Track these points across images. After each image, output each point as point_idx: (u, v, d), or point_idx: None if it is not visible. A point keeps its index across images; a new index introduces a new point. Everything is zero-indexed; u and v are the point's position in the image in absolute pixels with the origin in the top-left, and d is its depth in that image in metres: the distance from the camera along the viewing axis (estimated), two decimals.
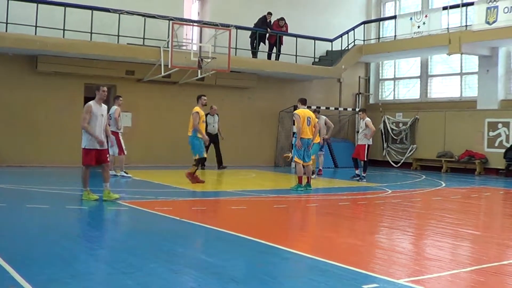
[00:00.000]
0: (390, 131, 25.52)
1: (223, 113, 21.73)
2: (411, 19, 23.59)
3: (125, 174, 16.80)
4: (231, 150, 20.87)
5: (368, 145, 17.98)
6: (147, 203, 11.42)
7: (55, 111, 20.18)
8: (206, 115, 19.67)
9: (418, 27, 23.08)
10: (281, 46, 23.73)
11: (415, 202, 13.84)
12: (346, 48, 25.33)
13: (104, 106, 12.12)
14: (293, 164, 16.50)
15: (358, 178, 18.01)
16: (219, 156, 21.14)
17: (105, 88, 12.05)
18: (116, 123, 16.98)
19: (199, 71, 20.10)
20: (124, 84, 21.04)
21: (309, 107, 16.77)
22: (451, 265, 7.07)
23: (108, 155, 16.39)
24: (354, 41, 25.47)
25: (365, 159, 17.97)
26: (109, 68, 20.70)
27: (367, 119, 18.14)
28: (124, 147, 17.09)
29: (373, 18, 27.71)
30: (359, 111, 19.28)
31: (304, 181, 14.90)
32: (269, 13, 23.20)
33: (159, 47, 20.06)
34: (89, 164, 11.79)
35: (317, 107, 21.20)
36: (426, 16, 23.03)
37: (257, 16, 23.18)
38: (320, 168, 20.02)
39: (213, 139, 20.23)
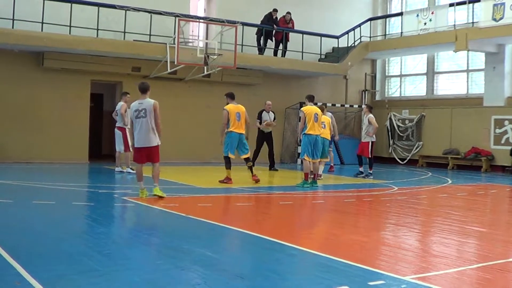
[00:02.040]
0: (396, 128, 25.49)
1: None
2: (417, 15, 23.55)
3: (131, 171, 16.81)
4: None
5: (372, 142, 18.02)
6: (153, 200, 11.43)
7: (61, 108, 20.22)
8: (261, 111, 19.64)
9: (425, 24, 23.03)
10: (287, 42, 23.72)
11: (421, 199, 13.83)
12: (353, 44, 25.30)
13: None
14: (299, 161, 16.47)
15: (362, 175, 18.02)
16: (272, 157, 20.15)
17: None
18: (122, 119, 17.03)
19: (205, 67, 20.08)
20: (130, 81, 21.02)
21: (315, 104, 16.70)
22: (457, 262, 7.06)
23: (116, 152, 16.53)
24: (360, 38, 25.44)
25: (370, 156, 18.01)
26: (115, 64, 20.73)
27: (370, 115, 18.13)
28: (130, 143, 17.09)
29: (379, 14, 27.66)
30: (365, 105, 19.15)
31: (310, 178, 14.91)
32: (275, 10, 23.17)
33: (165, 43, 20.07)
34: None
35: (323, 104, 20.78)
36: (432, 12, 22.99)
37: (263, 12, 23.16)
38: (332, 164, 20.04)
39: (266, 137, 19.78)
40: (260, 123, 19.42)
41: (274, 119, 19.92)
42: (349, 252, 7.40)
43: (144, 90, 11.74)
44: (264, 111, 19.65)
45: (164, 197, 11.59)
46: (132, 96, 17.68)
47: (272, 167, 20.05)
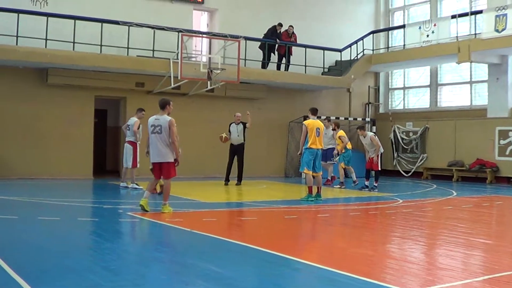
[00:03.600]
0: (400, 141, 25.46)
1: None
2: (420, 28, 23.58)
3: (136, 186, 16.79)
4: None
5: (380, 154, 18.15)
6: (158, 215, 11.42)
7: (65, 124, 20.27)
8: (231, 124, 19.47)
9: (427, 36, 23.07)
10: (291, 56, 23.76)
11: (426, 212, 13.79)
12: (355, 58, 25.34)
13: None
14: (303, 175, 16.47)
15: (367, 189, 18.00)
16: (240, 171, 19.28)
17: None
18: (134, 135, 17.01)
19: (208, 82, 20.10)
20: (134, 96, 21.11)
21: (319, 117, 16.75)
22: (464, 275, 7.03)
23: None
24: (363, 51, 25.49)
25: (379, 169, 18.05)
26: (119, 80, 20.79)
27: (370, 134, 18.20)
28: (138, 159, 17.07)
29: (382, 27, 27.71)
30: (357, 128, 19.07)
31: (314, 191, 14.88)
32: (280, 24, 23.24)
33: (169, 59, 20.12)
34: (176, 174, 12.14)
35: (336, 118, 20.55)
36: (435, 24, 23.02)
37: (266, 27, 23.22)
38: (329, 178, 19.94)
39: (236, 150, 19.19)
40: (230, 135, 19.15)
41: (244, 131, 19.17)
42: (355, 266, 7.37)
43: (161, 106, 12.03)
44: (233, 123, 19.24)
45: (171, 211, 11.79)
46: (135, 111, 17.73)
47: (238, 180, 19.25)
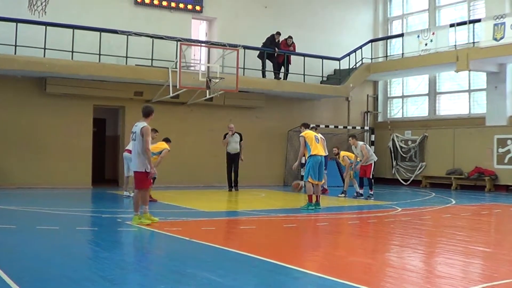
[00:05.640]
0: (399, 149, 25.48)
1: None
2: (418, 36, 23.63)
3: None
4: (240, 170, 20.77)
5: (374, 162, 18.14)
6: (157, 224, 11.39)
7: (64, 133, 20.26)
8: (225, 135, 19.80)
9: (426, 44, 23.10)
10: (289, 65, 23.77)
11: (425, 220, 13.77)
12: (354, 66, 25.38)
13: None
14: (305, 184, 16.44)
15: (362, 197, 17.96)
16: (235, 177, 20.30)
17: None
18: None
19: (207, 91, 20.12)
20: (132, 105, 21.08)
21: (318, 126, 16.78)
22: (463, 283, 7.02)
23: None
24: (361, 60, 25.53)
25: (370, 177, 18.00)
26: (118, 89, 20.78)
27: (361, 144, 18.17)
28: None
29: (380, 36, 27.76)
30: (349, 136, 19.07)
31: (314, 200, 14.87)
32: (278, 33, 23.24)
33: (167, 68, 20.13)
34: (147, 187, 11.54)
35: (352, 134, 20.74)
36: (433, 33, 23.06)
37: (265, 36, 23.22)
38: (325, 187, 19.81)
39: (232, 158, 20.06)
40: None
41: (241, 140, 20.12)
42: (354, 274, 7.36)
43: (145, 114, 11.42)
44: (227, 134, 19.95)
45: (149, 223, 11.21)
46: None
47: (235, 186, 20.25)
